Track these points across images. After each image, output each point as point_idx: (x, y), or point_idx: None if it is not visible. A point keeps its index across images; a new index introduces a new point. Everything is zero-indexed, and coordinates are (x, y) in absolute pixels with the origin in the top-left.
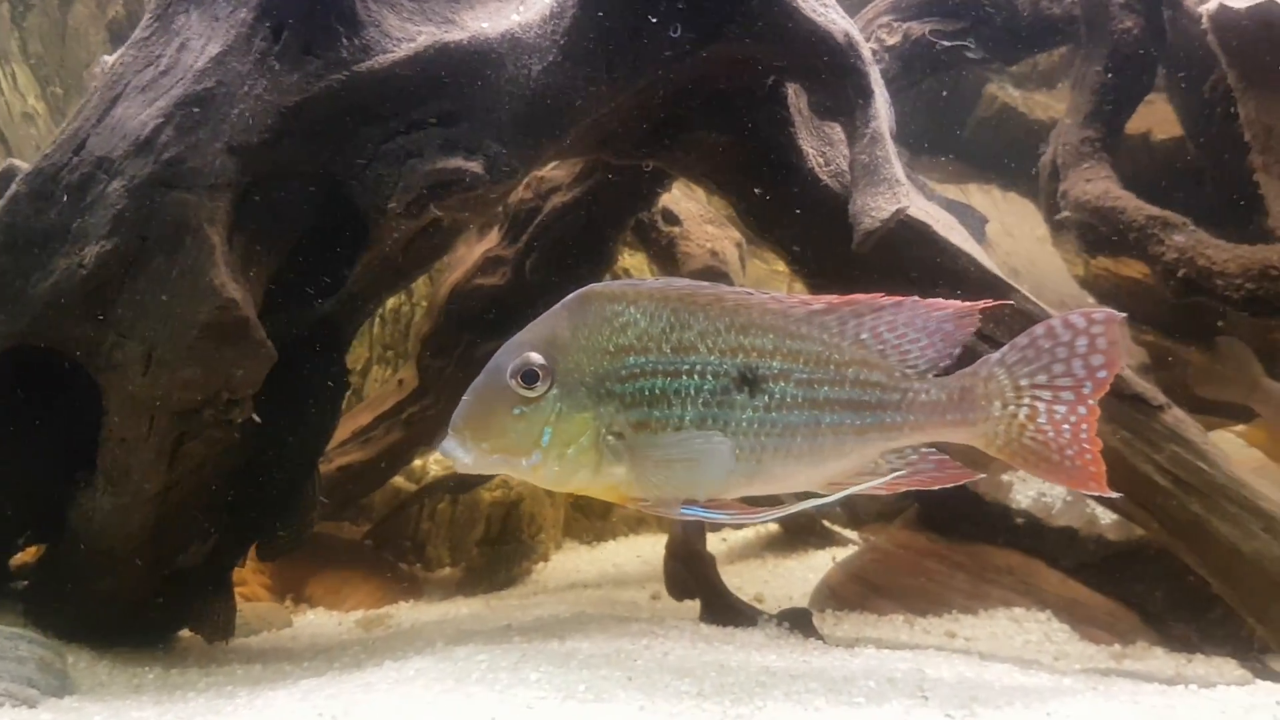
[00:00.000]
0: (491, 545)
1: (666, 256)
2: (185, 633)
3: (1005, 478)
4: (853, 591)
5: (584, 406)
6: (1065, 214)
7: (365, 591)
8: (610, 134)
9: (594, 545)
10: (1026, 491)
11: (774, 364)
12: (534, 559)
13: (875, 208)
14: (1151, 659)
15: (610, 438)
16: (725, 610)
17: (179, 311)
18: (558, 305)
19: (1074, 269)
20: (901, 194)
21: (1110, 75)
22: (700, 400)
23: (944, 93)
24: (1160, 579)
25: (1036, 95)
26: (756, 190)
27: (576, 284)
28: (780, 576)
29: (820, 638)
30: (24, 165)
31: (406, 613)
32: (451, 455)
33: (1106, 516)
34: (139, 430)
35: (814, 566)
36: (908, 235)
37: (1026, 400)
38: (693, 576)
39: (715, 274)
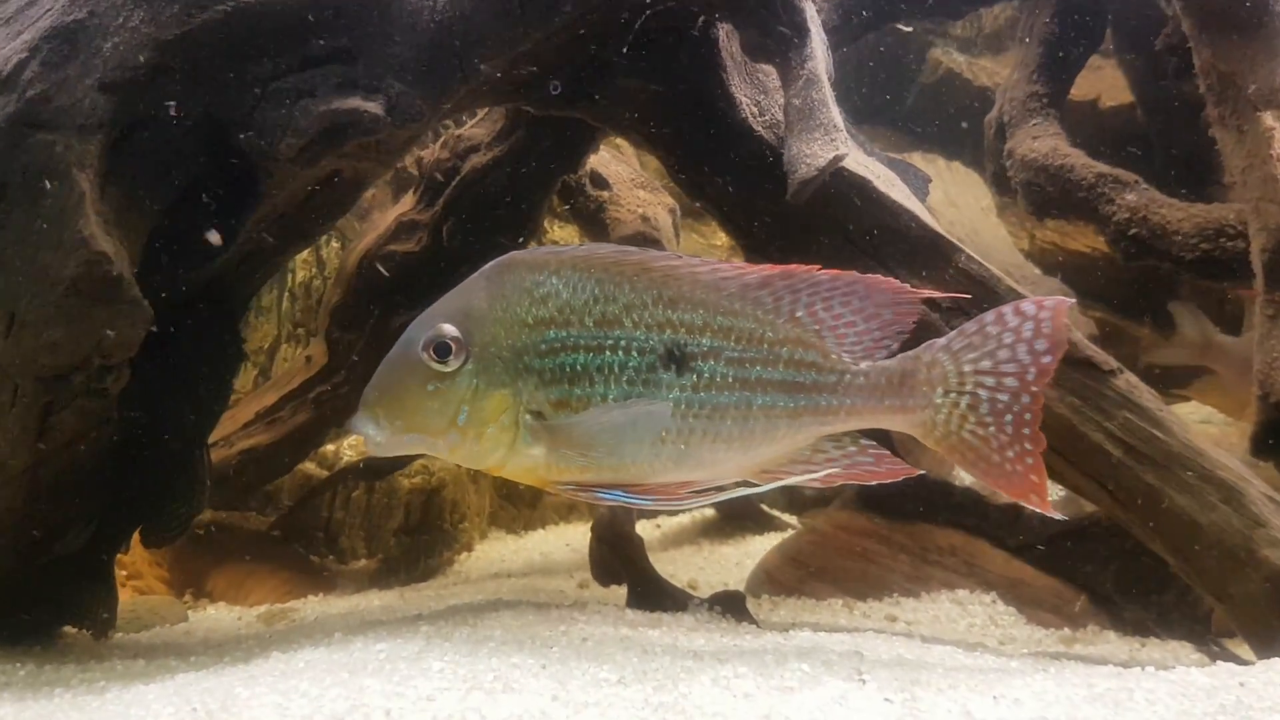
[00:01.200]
0: (410, 535)
1: (595, 222)
2: (70, 629)
3: None
4: (790, 575)
5: (502, 383)
6: (1011, 173)
7: (271, 585)
8: (528, 80)
9: (521, 534)
10: None
11: (704, 341)
12: (456, 549)
13: (811, 154)
14: (1103, 643)
15: (528, 416)
16: (654, 595)
17: (43, 266)
18: (476, 274)
19: (1019, 241)
20: (840, 140)
21: (1059, 27)
22: (625, 378)
23: (884, 54)
24: (1110, 559)
25: (982, 60)
26: (686, 143)
27: (498, 251)
28: (715, 563)
29: (754, 621)
30: None
31: (314, 606)
32: (363, 433)
33: (1053, 493)
34: (2, 399)
35: (751, 553)
36: (845, 190)
37: (969, 388)
38: (619, 560)
39: (647, 240)
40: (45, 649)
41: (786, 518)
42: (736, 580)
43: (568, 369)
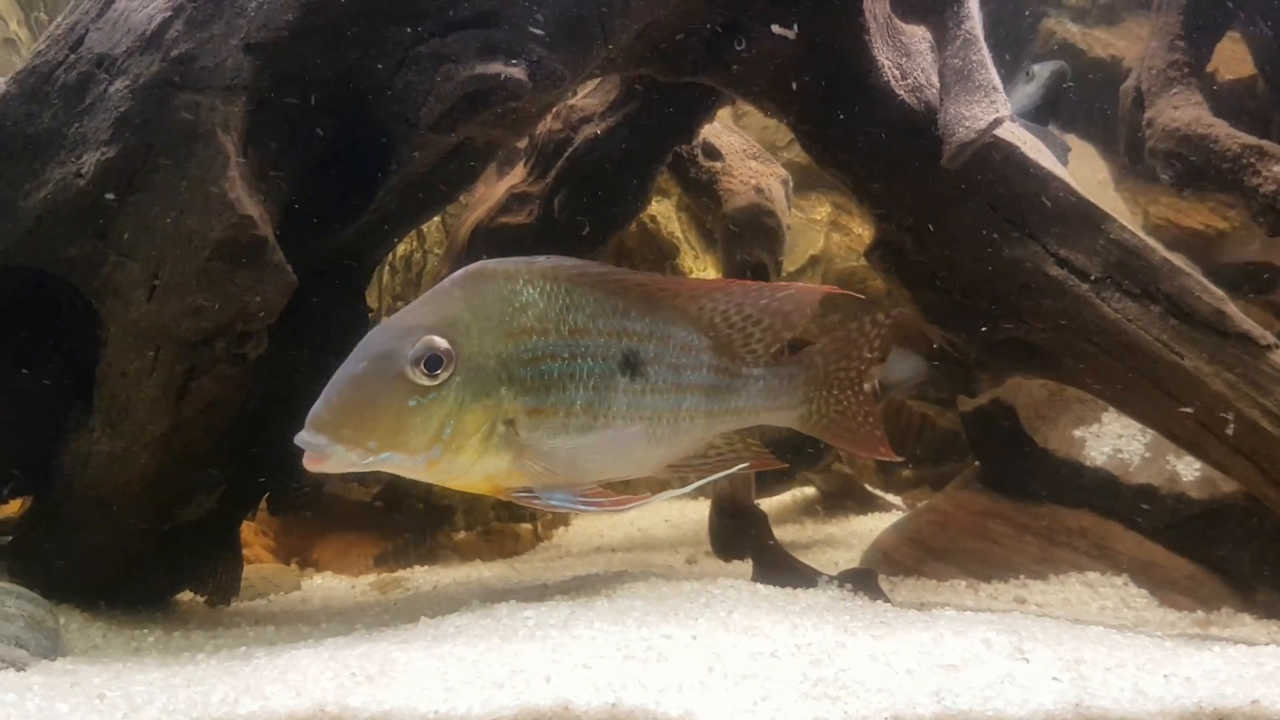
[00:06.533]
0: (508, 508)
1: (707, 194)
2: (183, 596)
3: (1077, 433)
4: (908, 555)
5: (486, 394)
6: (1151, 143)
7: (375, 555)
8: (661, 46)
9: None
10: (1101, 448)
11: (650, 348)
12: (553, 522)
13: (971, 117)
14: (1239, 626)
15: (502, 426)
16: (779, 571)
17: (188, 229)
18: (444, 284)
19: (1133, 217)
20: (1000, 103)
21: None
22: (590, 384)
23: (997, 24)
24: (1247, 541)
25: (1096, 31)
26: (822, 108)
27: (608, 224)
28: (821, 542)
29: (887, 600)
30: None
31: (424, 576)
32: (323, 455)
33: (1189, 473)
34: (142, 364)
35: (856, 532)
36: (992, 156)
37: (830, 380)
38: (743, 535)
39: (761, 212)
40: (166, 615)
41: (890, 497)
42: (846, 560)
43: (545, 377)
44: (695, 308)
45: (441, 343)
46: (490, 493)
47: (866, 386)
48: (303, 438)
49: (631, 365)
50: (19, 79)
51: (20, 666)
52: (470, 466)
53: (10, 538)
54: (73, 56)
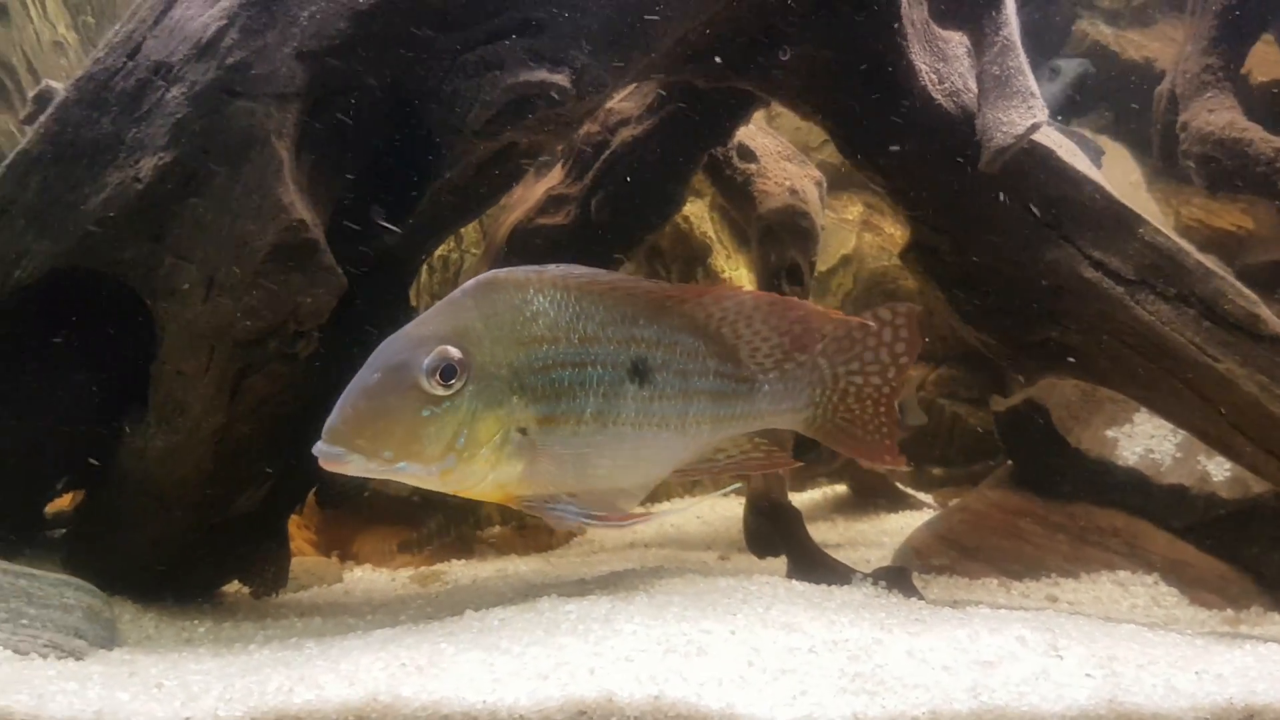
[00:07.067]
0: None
1: (742, 195)
2: (229, 588)
3: (1109, 433)
4: (941, 554)
5: (499, 402)
6: (1185, 146)
7: (399, 543)
8: (700, 50)
9: (647, 506)
10: (1133, 448)
11: (658, 355)
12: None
13: (1008, 122)
14: (1269, 624)
15: (516, 434)
16: (814, 568)
17: (242, 232)
18: (455, 294)
19: (1165, 218)
20: (1038, 108)
21: None
22: (601, 392)
23: (1029, 26)
24: (1277, 540)
25: (1129, 33)
26: (859, 112)
27: (644, 225)
28: (853, 540)
29: (921, 597)
30: (60, 87)
31: (461, 570)
32: (339, 467)
33: (1220, 474)
34: (198, 363)
35: (887, 530)
36: (1027, 160)
37: (841, 385)
38: (778, 532)
39: (795, 213)
40: (215, 606)
41: (921, 496)
42: (878, 558)
43: (555, 385)
44: (703, 315)
45: (455, 352)
46: (502, 501)
47: (888, 390)
48: (319, 449)
49: (640, 372)
50: (79, 85)
51: (79, 656)
52: (483, 475)
53: (64, 530)
54: (130, 64)
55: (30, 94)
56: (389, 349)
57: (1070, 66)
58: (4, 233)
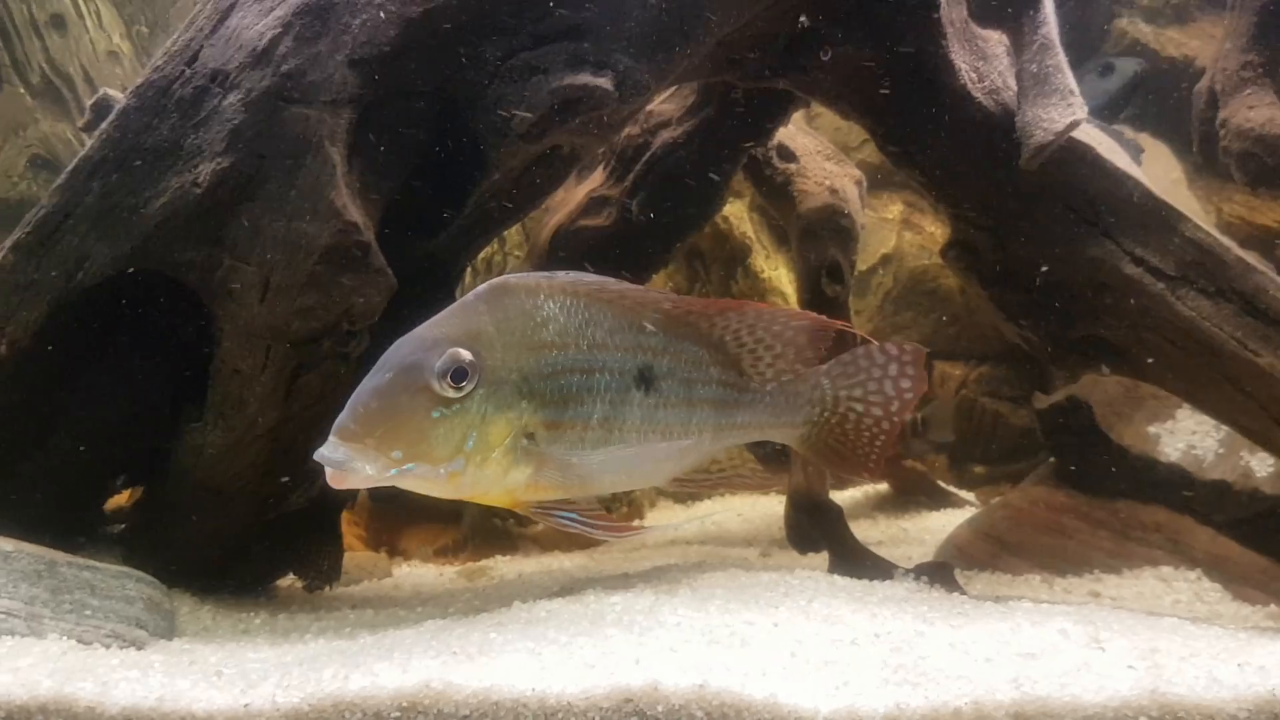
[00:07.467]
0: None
1: (781, 195)
2: (282, 581)
3: (1152, 429)
4: (983, 550)
5: (508, 406)
6: (1225, 143)
7: (435, 548)
8: (740, 52)
9: (689, 504)
10: (1175, 444)
11: (664, 363)
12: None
13: (1048, 119)
14: None
15: (524, 439)
16: (855, 564)
17: (297, 234)
18: (468, 297)
19: (1206, 215)
20: (1077, 106)
21: None
22: (608, 398)
23: (1069, 24)
24: None
25: (1169, 31)
26: (898, 111)
27: (684, 225)
28: (894, 537)
29: (963, 592)
30: (118, 95)
31: (506, 565)
32: (346, 467)
33: (1262, 469)
34: (254, 362)
35: (929, 528)
36: (1068, 157)
37: (842, 409)
38: (818, 528)
39: (835, 212)
40: (269, 599)
41: (963, 494)
42: (920, 555)
43: (564, 391)
44: (707, 325)
45: (467, 355)
46: (508, 506)
47: (887, 423)
48: (324, 456)
49: (646, 380)
50: (139, 92)
51: (140, 646)
52: (491, 479)
53: (123, 526)
54: (188, 71)
55: (88, 102)
56: (401, 350)
57: (1126, 65)
58: (68, 236)
